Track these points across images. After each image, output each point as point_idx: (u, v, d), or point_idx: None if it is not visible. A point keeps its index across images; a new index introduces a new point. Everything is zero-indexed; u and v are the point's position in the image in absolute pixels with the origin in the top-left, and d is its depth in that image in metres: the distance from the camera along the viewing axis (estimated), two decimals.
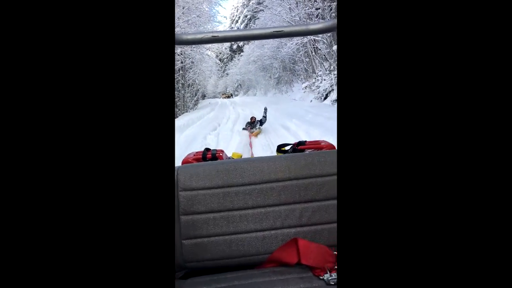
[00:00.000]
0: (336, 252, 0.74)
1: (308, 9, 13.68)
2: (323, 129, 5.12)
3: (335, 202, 0.80)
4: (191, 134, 5.86)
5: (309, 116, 6.93)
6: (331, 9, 13.09)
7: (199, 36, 0.77)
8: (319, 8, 13.47)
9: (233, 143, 5.01)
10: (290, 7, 14.70)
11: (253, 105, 14.77)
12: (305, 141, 1.33)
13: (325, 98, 11.51)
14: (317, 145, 1.26)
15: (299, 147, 1.30)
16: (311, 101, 12.45)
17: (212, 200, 0.79)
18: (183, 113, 12.33)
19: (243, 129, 6.51)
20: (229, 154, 1.42)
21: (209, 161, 1.02)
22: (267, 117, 6.80)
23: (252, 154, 4.35)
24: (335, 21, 0.77)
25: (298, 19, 14.13)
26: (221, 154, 1.27)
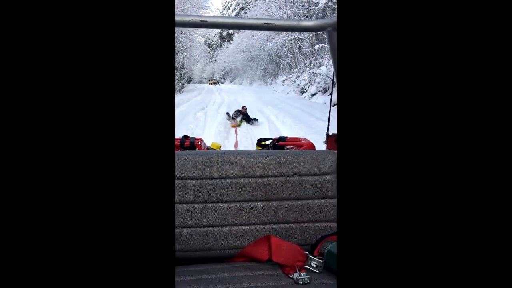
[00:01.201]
0: (307, 252, 0.78)
1: (295, 8, 15.12)
2: (288, 114, 6.70)
3: (309, 202, 0.84)
4: (183, 111, 7.26)
5: (282, 105, 8.57)
6: (317, 10, 14.52)
7: (186, 19, 0.76)
8: (307, 8, 14.90)
9: (218, 119, 6.46)
10: (279, 5, 16.09)
11: (238, 93, 16.17)
12: (286, 137, 1.39)
13: (302, 92, 13.09)
14: (297, 142, 1.33)
15: (279, 142, 1.36)
16: (287, 93, 14.04)
17: (187, 191, 0.79)
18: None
19: (227, 113, 6.49)
20: (208, 144, 1.46)
21: (187, 151, 1.04)
22: (254, 120, 6.32)
23: (236, 141, 4.57)
24: (326, 20, 0.83)
25: (286, 17, 15.52)
26: (199, 143, 1.29)
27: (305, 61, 14.81)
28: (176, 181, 0.79)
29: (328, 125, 1.09)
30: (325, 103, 8.76)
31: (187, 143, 1.29)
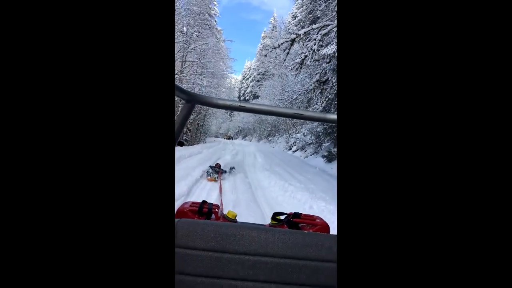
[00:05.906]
0: None
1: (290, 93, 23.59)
2: (263, 154, 14.44)
3: None
4: (214, 150, 15.05)
5: (265, 151, 16.59)
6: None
7: (228, 103, 0.99)
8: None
9: (231, 153, 14.12)
10: (279, 92, 24.76)
11: (246, 146, 24.35)
12: (301, 213, 1.51)
13: (290, 149, 20.94)
14: (311, 221, 1.45)
15: (294, 219, 1.48)
16: (273, 147, 22.15)
17: (203, 263, 0.81)
18: (198, 143, 21.63)
19: (210, 166, 7.04)
20: (225, 211, 1.68)
21: (208, 221, 1.09)
22: (233, 168, 7.54)
23: (220, 188, 5.20)
24: None
25: (293, 92, 23.98)
26: (216, 210, 1.47)
27: (293, 128, 22.84)
28: (194, 252, 0.82)
29: None
30: (301, 156, 16.21)
31: (205, 209, 1.42)
